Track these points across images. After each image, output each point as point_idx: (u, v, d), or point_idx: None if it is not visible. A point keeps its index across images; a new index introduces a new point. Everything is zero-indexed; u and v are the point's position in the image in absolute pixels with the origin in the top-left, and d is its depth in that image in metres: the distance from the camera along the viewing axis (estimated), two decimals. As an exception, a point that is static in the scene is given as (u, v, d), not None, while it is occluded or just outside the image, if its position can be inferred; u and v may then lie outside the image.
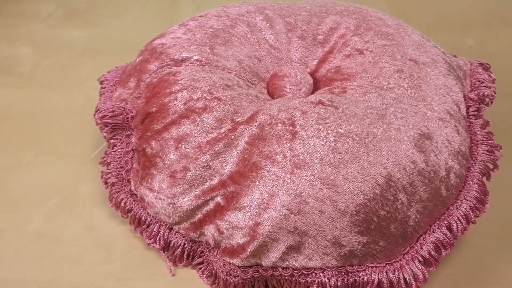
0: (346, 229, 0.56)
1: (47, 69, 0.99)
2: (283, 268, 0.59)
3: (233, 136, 0.62)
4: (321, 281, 0.57)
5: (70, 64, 1.00)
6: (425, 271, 0.57)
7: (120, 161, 0.70)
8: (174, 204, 0.63)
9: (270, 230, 0.57)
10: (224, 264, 0.61)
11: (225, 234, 0.60)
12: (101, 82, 0.80)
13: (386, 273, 0.57)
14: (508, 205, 0.73)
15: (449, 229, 0.60)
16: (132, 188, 0.69)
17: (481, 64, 0.77)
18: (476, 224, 0.62)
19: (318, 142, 0.59)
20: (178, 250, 0.66)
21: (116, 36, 1.07)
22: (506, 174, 0.75)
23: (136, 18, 1.12)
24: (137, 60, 0.76)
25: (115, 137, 0.71)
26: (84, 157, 0.81)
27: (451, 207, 0.61)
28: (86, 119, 0.85)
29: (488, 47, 1.04)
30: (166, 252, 0.67)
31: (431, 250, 0.58)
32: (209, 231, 0.62)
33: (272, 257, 0.58)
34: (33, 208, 0.75)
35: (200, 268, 0.65)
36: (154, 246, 0.67)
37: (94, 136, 0.84)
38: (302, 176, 0.57)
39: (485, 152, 0.66)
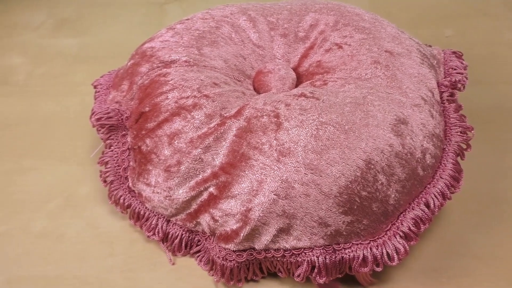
0: (331, 210, 0.61)
1: (41, 77, 1.02)
2: (275, 249, 0.63)
3: (222, 130, 0.66)
4: (311, 259, 0.62)
5: (63, 72, 1.04)
6: (406, 245, 0.62)
7: (117, 160, 0.74)
8: (170, 196, 0.68)
9: (261, 214, 0.62)
10: (220, 250, 0.65)
11: (220, 221, 0.65)
12: (95, 87, 0.84)
13: (370, 249, 0.62)
14: (482, 183, 0.78)
15: (427, 205, 0.64)
16: (130, 184, 0.73)
17: (453, 53, 0.82)
18: (452, 200, 0.67)
19: (301, 131, 0.63)
20: (177, 241, 0.70)
21: (107, 42, 1.10)
22: (480, 154, 0.80)
23: (125, 25, 1.15)
24: (129, 64, 0.81)
25: (112, 137, 0.75)
26: (82, 159, 0.85)
27: (428, 186, 0.66)
28: (82, 123, 0.89)
29: (467, 37, 1.09)
30: (165, 243, 0.71)
31: (411, 226, 0.63)
32: (205, 220, 0.67)
33: (264, 240, 0.63)
34: (36, 210, 0.79)
35: (198, 256, 0.70)
36: (153, 238, 0.71)
37: (90, 138, 0.88)
38: (288, 163, 0.62)
39: (458, 133, 0.71)
